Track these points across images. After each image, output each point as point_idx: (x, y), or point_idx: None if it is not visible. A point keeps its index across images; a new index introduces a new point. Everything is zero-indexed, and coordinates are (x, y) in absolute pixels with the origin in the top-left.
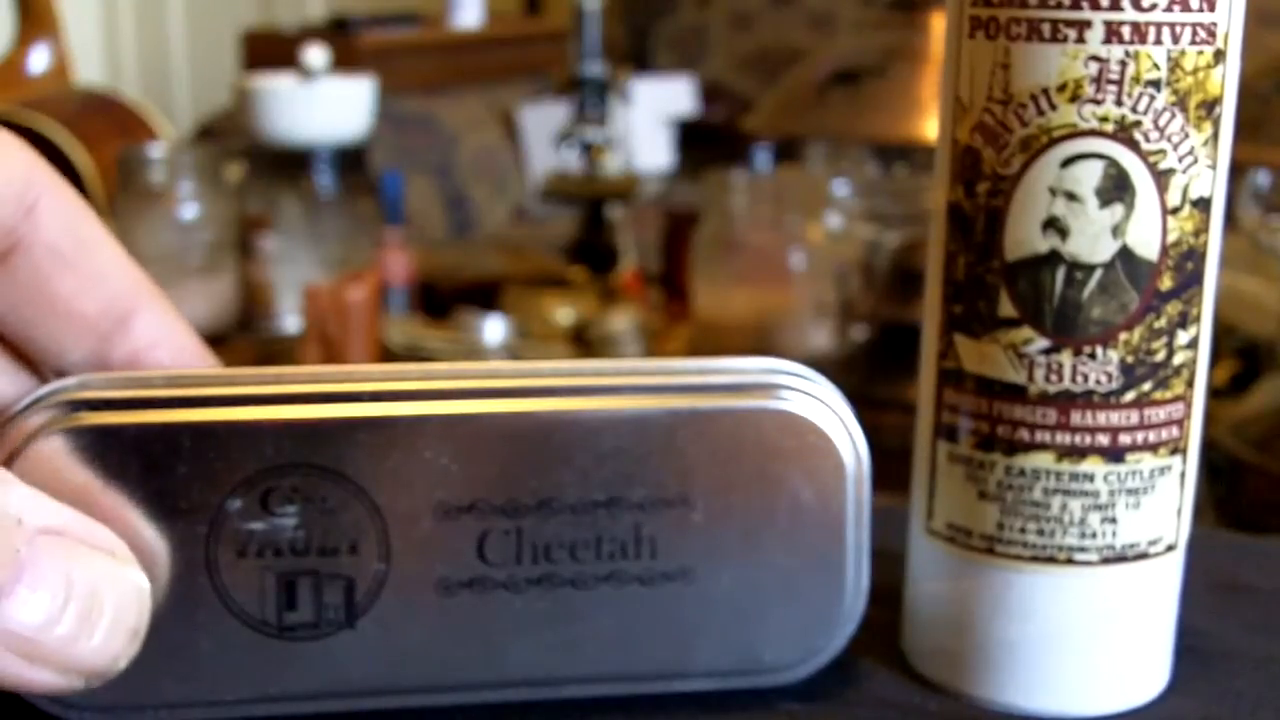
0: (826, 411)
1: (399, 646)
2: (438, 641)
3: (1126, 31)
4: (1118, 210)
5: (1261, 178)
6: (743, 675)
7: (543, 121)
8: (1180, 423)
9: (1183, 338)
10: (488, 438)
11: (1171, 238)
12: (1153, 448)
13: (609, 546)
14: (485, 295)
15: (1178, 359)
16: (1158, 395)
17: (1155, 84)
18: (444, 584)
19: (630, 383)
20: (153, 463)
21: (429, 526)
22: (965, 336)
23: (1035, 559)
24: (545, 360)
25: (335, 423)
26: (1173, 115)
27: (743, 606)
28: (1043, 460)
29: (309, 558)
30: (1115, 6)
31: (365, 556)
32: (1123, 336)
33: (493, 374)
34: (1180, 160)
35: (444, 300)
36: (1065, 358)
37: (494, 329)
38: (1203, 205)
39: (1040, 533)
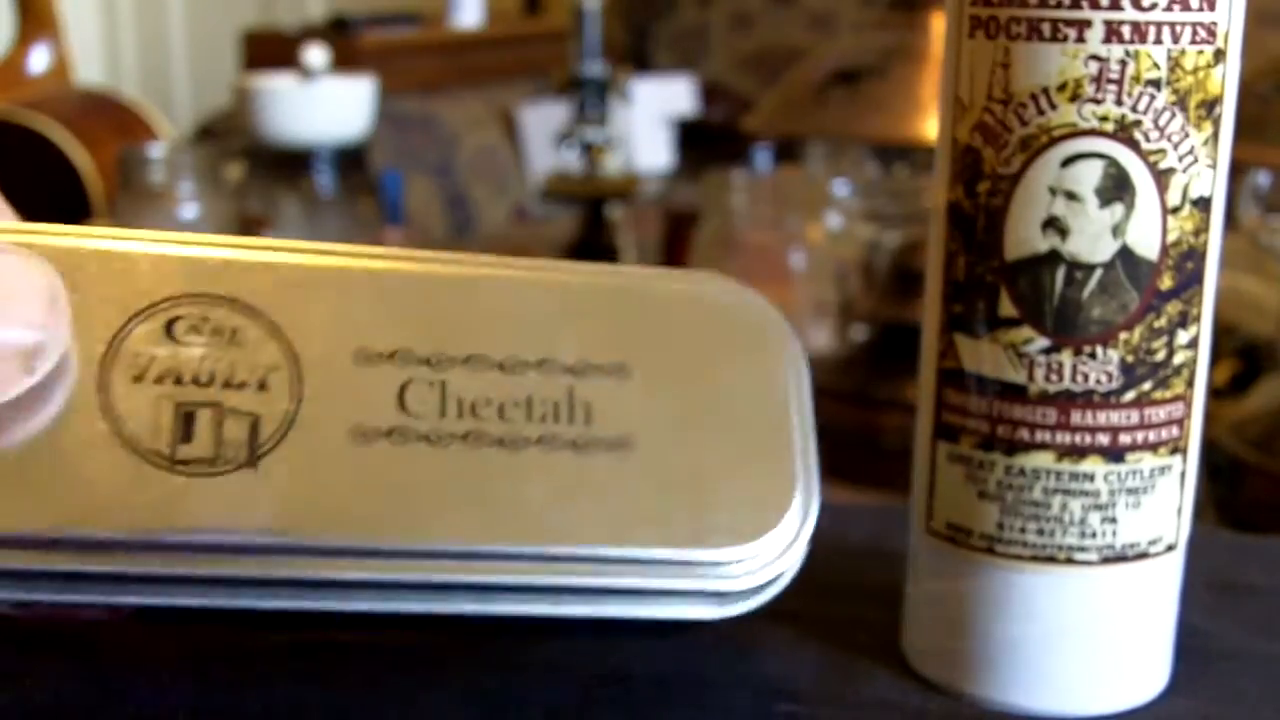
0: (769, 307)
1: (304, 493)
2: (348, 492)
3: (1126, 31)
4: (1118, 210)
5: (1261, 178)
6: (685, 565)
7: (543, 121)
8: (1180, 422)
9: (1183, 337)
10: (414, 289)
11: (1171, 237)
12: (1153, 447)
13: (541, 409)
14: None
15: (1178, 359)
16: (1158, 395)
17: (1155, 83)
18: (359, 431)
19: (566, 266)
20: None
21: (346, 370)
22: (965, 336)
23: (1035, 559)
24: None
25: (254, 262)
26: (1173, 115)
27: (686, 482)
28: (1043, 460)
29: (211, 390)
30: (1115, 6)
31: (275, 394)
32: (1123, 336)
33: (429, 257)
34: (1180, 160)
35: None
36: (1065, 357)
37: None
38: (1203, 205)
39: (1040, 532)
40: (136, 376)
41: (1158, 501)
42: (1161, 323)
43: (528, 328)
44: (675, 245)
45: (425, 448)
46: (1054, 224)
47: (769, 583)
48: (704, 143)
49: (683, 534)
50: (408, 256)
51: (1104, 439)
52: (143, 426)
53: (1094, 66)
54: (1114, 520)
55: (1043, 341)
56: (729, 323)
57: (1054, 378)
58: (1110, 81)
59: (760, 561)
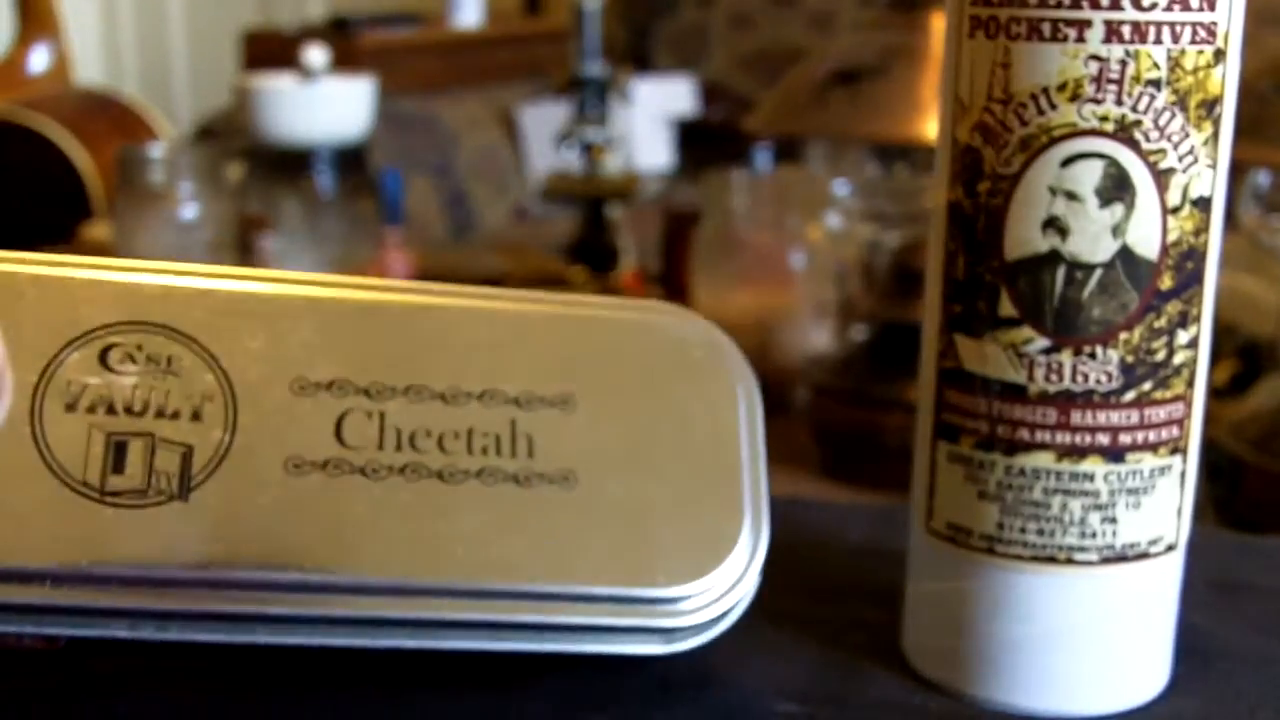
0: (719, 336)
1: (235, 526)
2: (281, 525)
3: (1127, 31)
4: (1118, 210)
5: (1261, 178)
6: (633, 606)
7: (543, 121)
8: (1180, 422)
9: (1183, 337)
10: (354, 318)
11: (1171, 237)
12: (1153, 447)
13: (482, 441)
14: None
15: (1178, 359)
16: (1158, 395)
17: (1155, 83)
18: (295, 462)
19: (514, 293)
20: None
21: (282, 400)
22: (965, 336)
23: (1035, 559)
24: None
25: (188, 289)
26: (1173, 115)
27: (630, 518)
28: (1043, 460)
29: (144, 420)
30: (1115, 6)
31: (209, 425)
32: (1123, 336)
33: (371, 284)
34: (1180, 160)
35: None
36: (1065, 357)
37: None
38: (1203, 205)
39: (1040, 532)
40: (69, 405)
41: (1158, 502)
42: (1161, 323)
43: (471, 358)
44: (675, 245)
45: (362, 480)
46: (1054, 224)
47: (718, 618)
48: (704, 143)
49: (627, 570)
50: (349, 284)
51: (1104, 439)
52: (73, 457)
53: (1094, 66)
54: (1114, 520)
55: (1043, 341)
56: (678, 354)
57: (1054, 378)
58: (1110, 81)
59: (708, 598)
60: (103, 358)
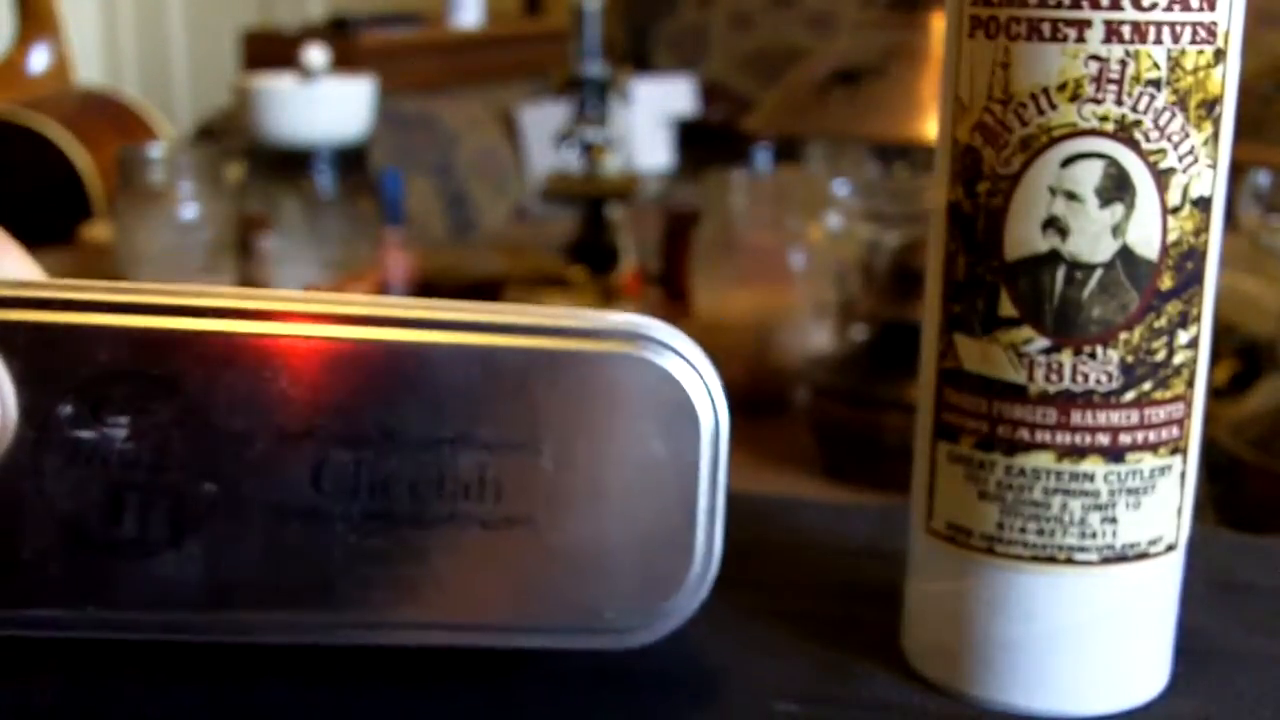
0: (686, 368)
1: (225, 572)
2: (266, 570)
3: (1127, 31)
4: (1118, 210)
5: (1261, 178)
6: (583, 633)
7: (543, 121)
8: (1180, 422)
9: (1183, 337)
10: (331, 364)
11: (1172, 237)
12: (1153, 447)
13: (452, 486)
14: (485, 295)
15: (1178, 359)
16: (1158, 395)
17: (1155, 83)
18: (277, 511)
19: (485, 320)
20: None
21: (264, 450)
22: (965, 336)
23: (1035, 559)
24: (401, 298)
25: (174, 334)
26: (1173, 115)
27: (586, 559)
28: (1043, 460)
29: (137, 472)
30: (1115, 6)
31: (196, 475)
32: (1123, 336)
33: (345, 302)
34: (1180, 160)
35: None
36: (1065, 357)
37: None
38: (1203, 205)
39: (1040, 532)
40: (68, 459)
41: (1158, 502)
42: (1162, 323)
43: (444, 403)
44: (675, 245)
45: (339, 526)
46: (1054, 224)
47: (662, 637)
48: (704, 143)
49: (580, 608)
50: (328, 315)
51: (1104, 439)
52: (74, 510)
53: (1094, 66)
54: (1114, 520)
55: (1043, 341)
56: (648, 390)
57: (1054, 378)
58: (1110, 81)
59: (652, 632)
60: (95, 411)
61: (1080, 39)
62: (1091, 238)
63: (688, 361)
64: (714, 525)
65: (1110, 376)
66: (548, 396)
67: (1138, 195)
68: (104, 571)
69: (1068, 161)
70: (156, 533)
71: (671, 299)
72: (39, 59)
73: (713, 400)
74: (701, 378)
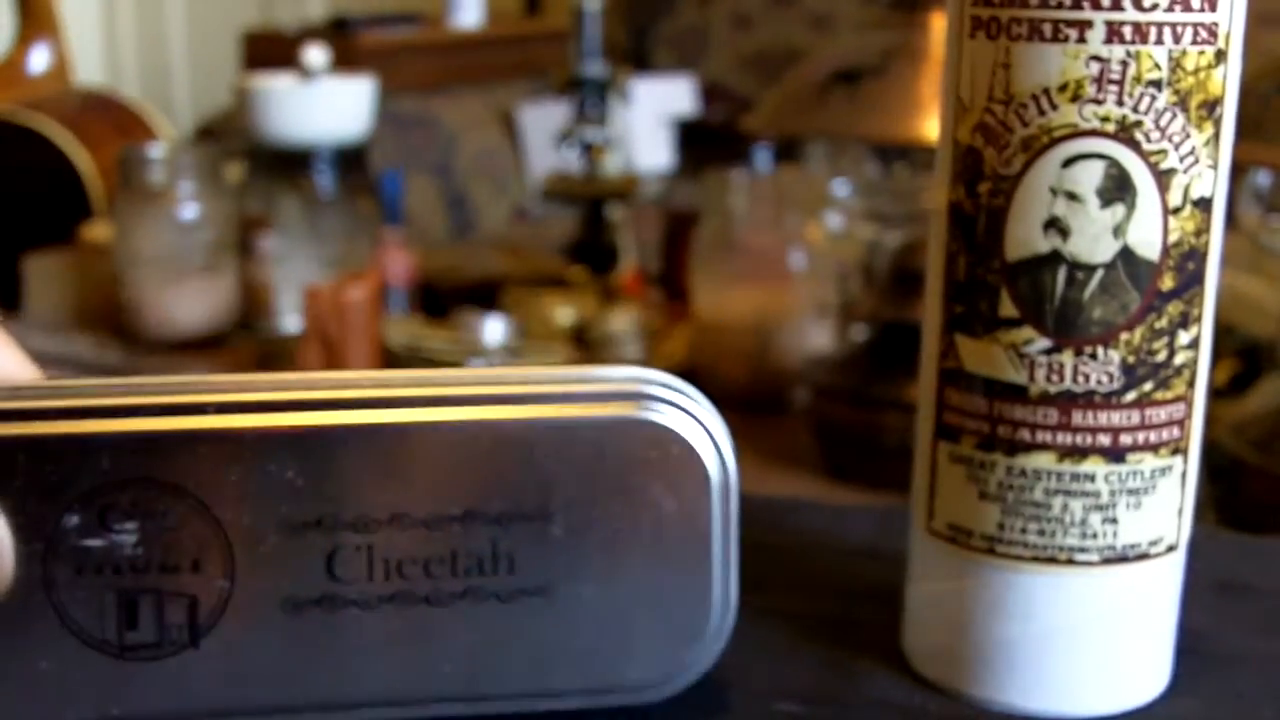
0: (691, 423)
1: (244, 667)
2: (285, 661)
3: (1128, 31)
4: (1119, 210)
5: (1262, 178)
6: (606, 694)
7: (543, 121)
8: (1181, 423)
9: (1184, 338)
10: (334, 451)
11: (1173, 238)
12: (1154, 448)
13: (465, 562)
14: (485, 295)
15: (1179, 359)
16: (1159, 395)
17: (1156, 84)
18: (291, 602)
19: (487, 393)
20: None
21: (274, 543)
22: (966, 336)
23: (1036, 559)
24: (400, 370)
25: (173, 435)
26: (1174, 115)
27: (604, 623)
28: (1044, 460)
29: (150, 575)
30: (1116, 6)
31: (208, 574)
32: (1124, 336)
33: (343, 384)
34: (1181, 160)
35: (444, 300)
36: (1066, 358)
37: (494, 329)
38: (1204, 205)
39: (1041, 533)
40: (78, 569)
41: (1158, 502)
42: (1162, 323)
43: (451, 481)
44: (675, 245)
45: (355, 611)
46: (1055, 224)
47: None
48: (704, 143)
49: (600, 672)
50: (326, 402)
51: (1105, 440)
52: (89, 617)
53: (1095, 67)
54: (1115, 521)
55: (1044, 342)
56: (655, 452)
57: (1055, 378)
58: (1111, 82)
59: (674, 686)
60: (102, 519)
61: (1081, 39)
62: (1092, 238)
63: (693, 416)
64: (729, 576)
65: (1111, 377)
66: (554, 465)
67: (1139, 196)
68: (124, 676)
69: (1069, 162)
70: (174, 634)
71: (671, 299)
72: (39, 59)
73: (720, 453)
74: (707, 431)
